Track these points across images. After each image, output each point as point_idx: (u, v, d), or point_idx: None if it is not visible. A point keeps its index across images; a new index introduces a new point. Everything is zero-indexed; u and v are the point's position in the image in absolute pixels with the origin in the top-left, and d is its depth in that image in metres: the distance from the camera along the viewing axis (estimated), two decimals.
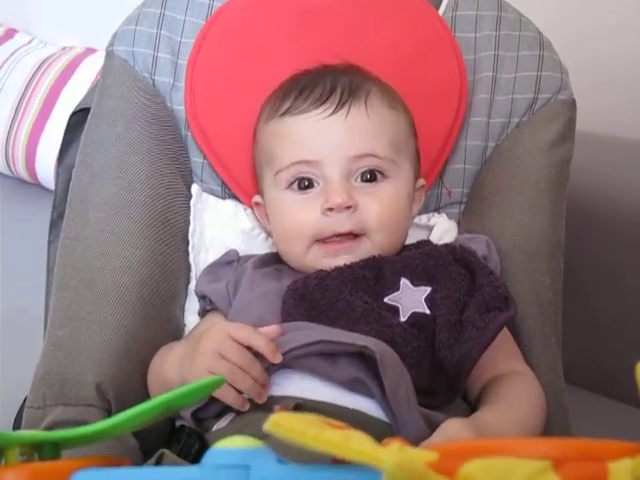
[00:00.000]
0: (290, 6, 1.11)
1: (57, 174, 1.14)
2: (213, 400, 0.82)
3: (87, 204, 1.02)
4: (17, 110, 1.84)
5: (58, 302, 0.97)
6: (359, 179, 0.97)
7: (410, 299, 0.92)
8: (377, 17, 1.11)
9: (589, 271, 1.38)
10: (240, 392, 0.81)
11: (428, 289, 0.92)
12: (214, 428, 0.86)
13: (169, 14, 1.12)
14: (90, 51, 1.88)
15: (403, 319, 0.90)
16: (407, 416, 0.80)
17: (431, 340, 0.89)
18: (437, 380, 0.87)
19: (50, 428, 0.87)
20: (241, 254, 1.05)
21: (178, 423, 0.90)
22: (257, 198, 1.06)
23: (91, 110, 1.09)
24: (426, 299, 0.92)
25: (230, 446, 0.52)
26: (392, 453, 0.47)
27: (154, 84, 1.11)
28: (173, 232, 1.05)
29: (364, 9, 1.11)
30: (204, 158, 1.10)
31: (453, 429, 0.77)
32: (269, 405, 0.80)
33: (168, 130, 1.09)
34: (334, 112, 0.97)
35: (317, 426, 0.50)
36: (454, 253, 0.95)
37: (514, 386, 0.90)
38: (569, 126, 1.11)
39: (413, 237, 1.05)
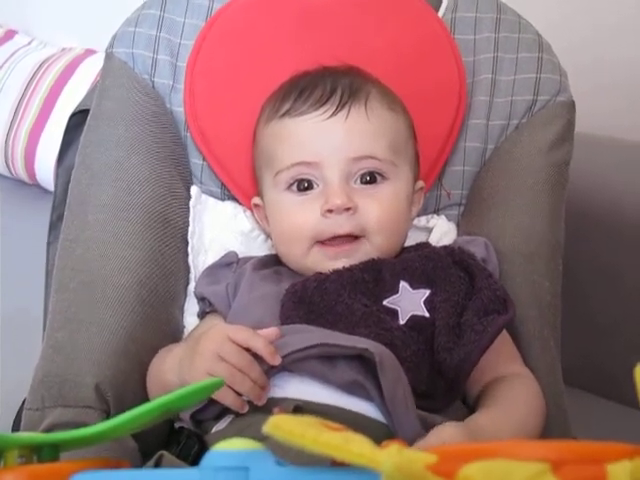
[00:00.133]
0: (290, 7, 1.11)
1: (56, 175, 1.14)
2: (212, 402, 0.82)
3: (86, 206, 1.02)
4: (17, 111, 1.83)
5: (57, 304, 0.97)
6: (359, 181, 0.97)
7: (409, 302, 0.92)
8: (377, 18, 1.11)
9: (588, 272, 1.38)
10: (239, 394, 0.81)
11: (427, 292, 0.92)
12: (213, 430, 0.85)
13: (168, 16, 1.12)
14: (90, 52, 1.88)
15: (402, 322, 0.90)
16: (404, 418, 0.80)
17: (430, 343, 0.89)
18: (436, 383, 0.87)
19: (49, 430, 0.87)
20: (240, 256, 1.04)
21: (177, 425, 0.90)
22: (256, 200, 1.05)
23: (90, 111, 1.09)
24: (425, 302, 0.92)
25: (229, 448, 0.52)
26: (391, 455, 0.47)
27: (153, 86, 1.11)
28: (172, 233, 1.04)
29: (364, 10, 1.11)
30: (203, 159, 1.10)
31: (446, 433, 0.77)
32: (268, 407, 0.80)
33: (167, 132, 1.09)
34: (334, 114, 0.97)
35: (316, 428, 0.50)
36: (453, 255, 0.95)
37: (513, 388, 0.90)
38: (568, 128, 1.11)
39: (412, 239, 1.05)
